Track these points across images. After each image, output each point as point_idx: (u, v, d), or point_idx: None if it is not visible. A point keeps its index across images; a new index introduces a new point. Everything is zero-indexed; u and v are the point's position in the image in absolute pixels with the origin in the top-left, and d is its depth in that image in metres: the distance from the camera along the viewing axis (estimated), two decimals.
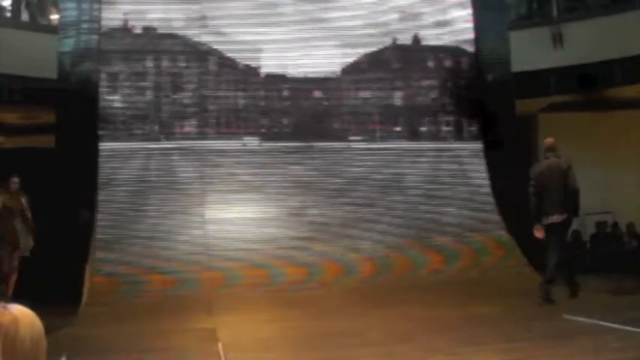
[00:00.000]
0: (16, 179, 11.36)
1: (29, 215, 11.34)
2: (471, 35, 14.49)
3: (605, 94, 15.22)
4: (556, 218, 9.86)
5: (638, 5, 14.57)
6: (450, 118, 14.78)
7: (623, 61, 14.24)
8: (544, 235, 9.97)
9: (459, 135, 14.69)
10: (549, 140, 10.43)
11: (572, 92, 15.19)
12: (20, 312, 2.05)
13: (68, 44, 13.22)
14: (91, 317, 9.86)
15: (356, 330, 8.19)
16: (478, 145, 14.11)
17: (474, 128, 14.39)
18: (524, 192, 10.16)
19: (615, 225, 15.50)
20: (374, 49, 14.60)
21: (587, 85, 14.63)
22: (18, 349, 1.98)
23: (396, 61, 14.91)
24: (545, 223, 9.93)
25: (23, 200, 11.37)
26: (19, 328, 2.00)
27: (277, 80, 14.36)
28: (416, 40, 14.72)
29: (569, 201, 9.89)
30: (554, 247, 9.88)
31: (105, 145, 13.02)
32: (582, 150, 15.08)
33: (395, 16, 14.58)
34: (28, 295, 9.42)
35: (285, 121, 14.42)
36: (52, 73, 12.76)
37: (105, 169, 12.91)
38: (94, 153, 12.75)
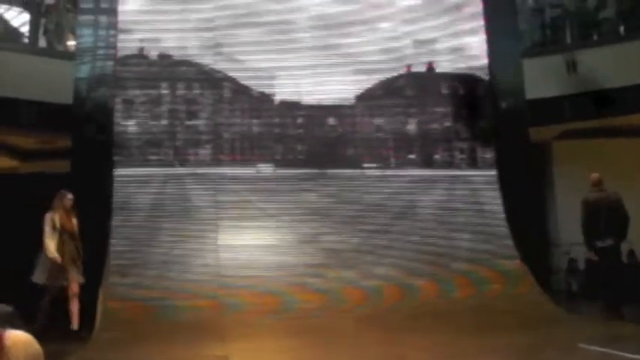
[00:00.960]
0: (70, 195, 10.80)
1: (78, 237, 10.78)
2: (484, 62, 14.53)
3: (620, 121, 15.19)
4: (607, 243, 11.11)
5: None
6: (464, 146, 14.76)
7: (638, 88, 14.22)
8: (598, 258, 11.31)
9: (473, 162, 14.66)
10: (595, 176, 11.58)
11: (586, 119, 15.16)
12: (15, 337, 2.07)
13: (84, 70, 13.35)
14: (105, 342, 9.87)
15: (368, 358, 8.15)
16: (492, 173, 14.08)
17: (488, 156, 14.37)
18: (538, 219, 10.47)
19: (632, 253, 15.37)
20: (388, 76, 14.64)
21: (601, 112, 14.61)
22: None
23: (410, 88, 14.93)
24: (599, 246, 11.18)
25: (74, 220, 10.83)
26: (11, 353, 2.02)
27: (291, 107, 14.39)
28: (430, 67, 14.77)
29: (619, 228, 11.16)
30: (606, 269, 11.14)
31: (120, 171, 13.08)
32: None
33: (409, 44, 14.61)
34: (42, 319, 9.38)
35: (299, 147, 14.43)
36: (67, 99, 12.86)
37: (119, 194, 12.95)
38: (109, 178, 12.81)
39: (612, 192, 11.40)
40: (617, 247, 11.35)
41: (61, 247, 10.41)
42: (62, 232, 10.49)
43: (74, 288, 10.52)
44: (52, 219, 10.50)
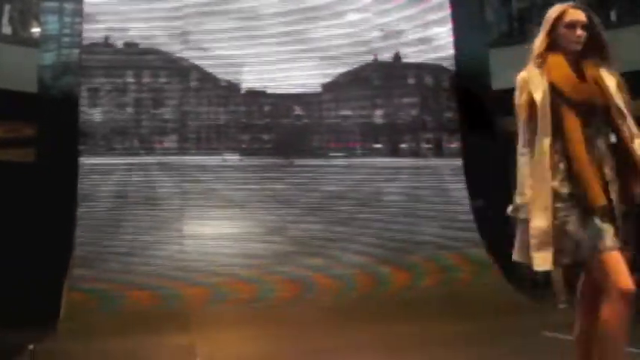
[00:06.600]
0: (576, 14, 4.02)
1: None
2: (451, 53, 14.58)
3: None
4: None
5: (618, 23, 14.72)
6: (430, 135, 14.84)
7: None
8: None
9: (439, 152, 14.74)
10: None
11: None
12: None
13: (49, 58, 13.17)
14: (69, 333, 9.81)
15: (334, 348, 8.17)
16: (458, 162, 14.16)
17: (454, 145, 14.46)
18: (502, 209, 10.39)
19: None
20: (355, 66, 14.66)
21: None
22: None
23: (377, 78, 14.97)
24: None
25: (610, 84, 3.81)
26: None
27: (258, 96, 14.38)
28: (397, 57, 14.81)
29: None
30: None
31: (85, 160, 12.96)
32: None
33: (376, 33, 14.65)
34: (7, 310, 9.32)
35: (265, 137, 14.43)
36: (32, 87, 12.69)
37: (85, 183, 12.84)
38: (74, 167, 12.69)
39: None
40: None
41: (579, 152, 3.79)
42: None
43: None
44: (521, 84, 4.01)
